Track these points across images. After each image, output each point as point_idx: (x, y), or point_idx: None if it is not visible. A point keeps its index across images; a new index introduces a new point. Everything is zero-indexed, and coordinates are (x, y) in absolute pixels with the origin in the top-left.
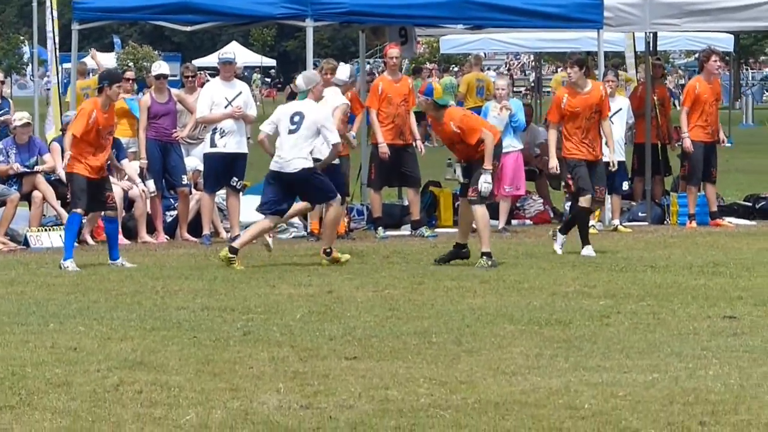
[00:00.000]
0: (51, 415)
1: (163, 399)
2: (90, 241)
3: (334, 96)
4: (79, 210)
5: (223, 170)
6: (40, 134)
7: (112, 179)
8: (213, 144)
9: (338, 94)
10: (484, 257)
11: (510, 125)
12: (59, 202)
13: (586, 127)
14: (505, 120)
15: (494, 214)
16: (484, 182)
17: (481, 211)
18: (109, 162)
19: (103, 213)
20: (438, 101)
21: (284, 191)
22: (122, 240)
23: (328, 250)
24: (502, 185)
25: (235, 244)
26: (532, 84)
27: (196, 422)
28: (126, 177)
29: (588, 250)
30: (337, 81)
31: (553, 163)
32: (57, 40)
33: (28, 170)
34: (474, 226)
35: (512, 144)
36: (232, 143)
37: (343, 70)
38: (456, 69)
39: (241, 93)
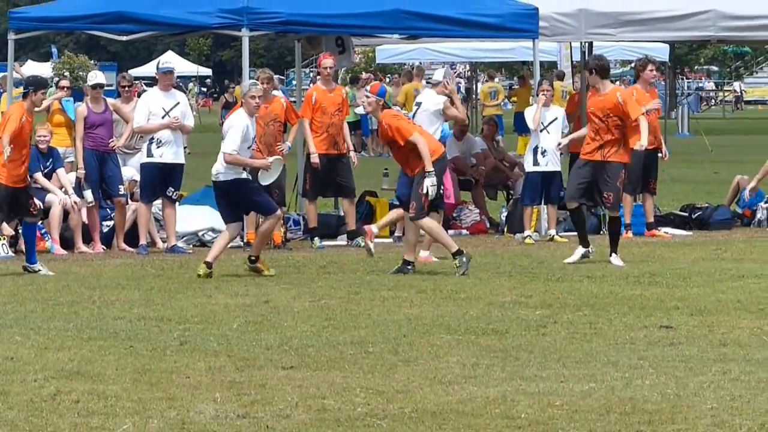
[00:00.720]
0: None
1: (100, 409)
2: None
3: (430, 98)
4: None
5: (160, 180)
6: None
7: (50, 186)
8: (150, 154)
9: (434, 94)
10: (457, 257)
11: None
12: None
13: (598, 128)
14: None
15: None
16: (430, 185)
17: (427, 222)
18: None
19: (25, 219)
20: (387, 102)
21: (226, 201)
22: (59, 250)
23: (254, 258)
24: None
25: (209, 258)
26: (464, 94)
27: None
28: (62, 188)
29: (577, 255)
30: (434, 81)
31: (564, 141)
32: None
33: None
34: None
35: None
36: (169, 153)
37: (439, 72)
38: (389, 79)
39: (178, 103)
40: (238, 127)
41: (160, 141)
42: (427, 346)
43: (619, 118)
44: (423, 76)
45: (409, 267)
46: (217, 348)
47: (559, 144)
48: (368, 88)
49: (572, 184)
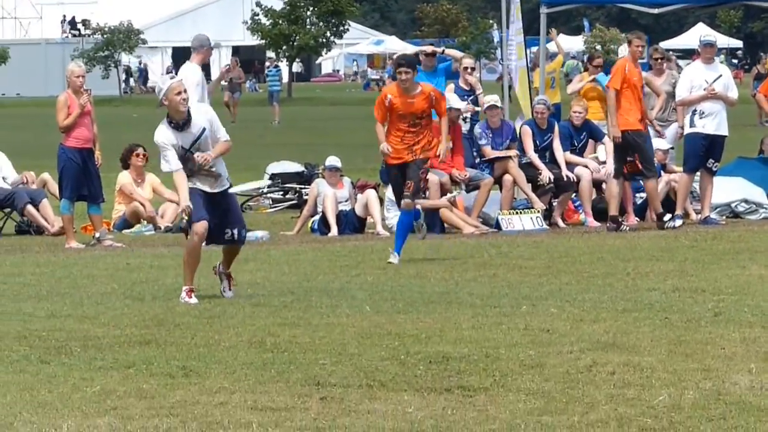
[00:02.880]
0: (525, 396)
1: (636, 380)
2: (561, 224)
3: None
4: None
5: (704, 151)
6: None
7: (578, 159)
8: (692, 124)
9: None
10: None
11: None
12: (529, 185)
13: None
14: None
15: None
16: None
17: None
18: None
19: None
20: None
21: None
22: (593, 222)
23: None
24: None
25: None
26: None
27: (669, 403)
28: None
29: None
30: None
31: None
32: (522, 24)
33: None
34: None
35: None
36: (712, 125)
37: None
38: None
39: (721, 76)
40: None
41: (703, 112)
42: None
43: None
44: None
45: None
46: (751, 319)
47: None
48: None
49: None
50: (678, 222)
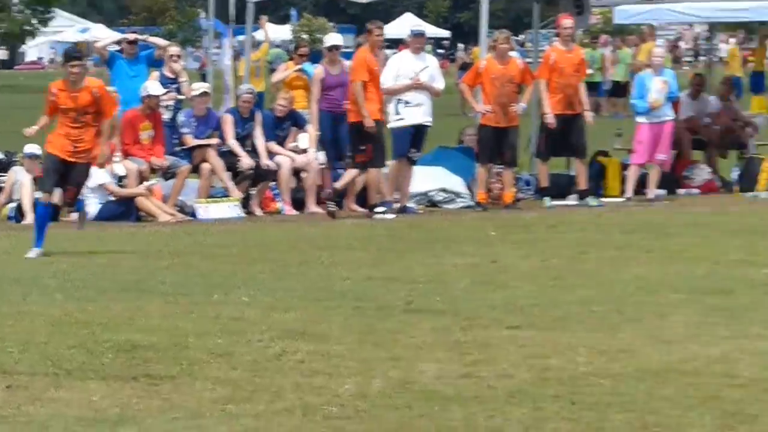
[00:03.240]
0: (211, 385)
1: (324, 368)
2: (258, 212)
3: None
4: (40, 194)
5: (410, 138)
6: (215, 107)
7: (279, 149)
8: (397, 113)
9: None
10: None
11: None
12: (229, 174)
13: None
14: (665, 92)
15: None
16: None
17: None
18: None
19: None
20: None
21: None
22: (290, 211)
23: None
24: (656, 153)
25: None
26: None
27: (355, 391)
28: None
29: None
30: None
31: None
32: (233, 12)
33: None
34: None
35: (667, 113)
36: (416, 114)
37: None
38: (611, 40)
39: (427, 66)
40: None
41: (408, 102)
42: (652, 305)
43: None
44: (655, 36)
45: None
46: (443, 308)
47: None
48: None
49: None
50: (390, 216)
